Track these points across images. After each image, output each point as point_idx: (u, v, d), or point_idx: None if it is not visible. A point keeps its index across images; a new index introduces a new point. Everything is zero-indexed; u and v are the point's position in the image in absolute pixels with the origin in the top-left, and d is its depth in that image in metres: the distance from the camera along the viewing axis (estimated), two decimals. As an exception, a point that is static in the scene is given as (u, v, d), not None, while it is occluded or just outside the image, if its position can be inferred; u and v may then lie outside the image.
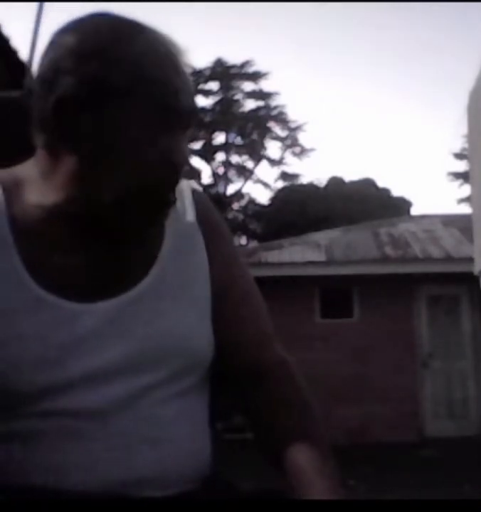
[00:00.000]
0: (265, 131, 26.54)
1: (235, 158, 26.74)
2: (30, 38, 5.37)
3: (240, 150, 26.71)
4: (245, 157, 26.71)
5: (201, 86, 26.20)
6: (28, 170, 1.00)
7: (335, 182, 26.10)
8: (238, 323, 1.07)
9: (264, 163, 27.11)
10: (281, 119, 26.41)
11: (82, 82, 0.91)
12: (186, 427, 0.99)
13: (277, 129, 26.63)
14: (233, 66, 25.89)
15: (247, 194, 26.82)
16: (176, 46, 0.98)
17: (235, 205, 26.29)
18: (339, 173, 29.40)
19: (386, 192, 25.97)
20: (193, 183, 1.15)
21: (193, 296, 1.04)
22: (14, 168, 1.03)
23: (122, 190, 0.93)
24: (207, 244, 1.08)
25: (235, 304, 1.08)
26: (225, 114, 25.73)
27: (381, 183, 26.46)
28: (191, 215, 1.09)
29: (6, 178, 1.00)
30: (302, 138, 30.08)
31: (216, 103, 26.22)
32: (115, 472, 0.92)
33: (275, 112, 26.39)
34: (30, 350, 0.91)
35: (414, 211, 24.64)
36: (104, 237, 0.98)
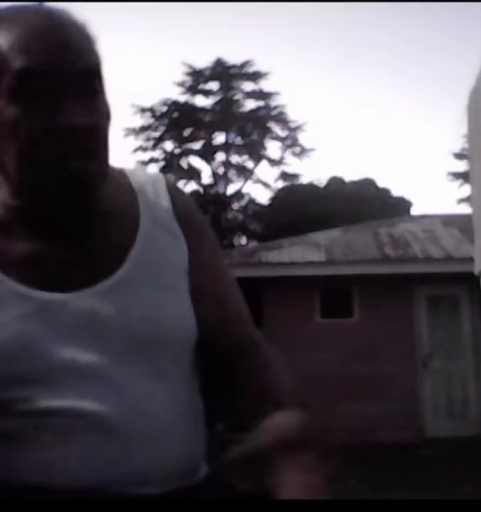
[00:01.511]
0: (265, 131, 26.53)
1: (235, 158, 26.74)
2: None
3: (240, 150, 26.70)
4: (245, 157, 26.70)
5: (201, 86, 26.20)
6: None
7: (335, 182, 26.09)
8: (217, 314, 1.07)
9: (264, 163, 27.06)
10: (281, 119, 26.39)
11: None
12: (176, 419, 0.98)
13: (277, 129, 26.63)
14: (233, 66, 25.87)
15: (247, 194, 26.82)
16: (58, 16, 0.94)
17: (235, 205, 26.28)
18: (339, 173, 29.35)
19: (386, 192, 25.95)
20: (169, 176, 1.14)
21: (172, 283, 1.03)
22: None
23: (27, 177, 0.92)
24: (185, 235, 1.07)
25: (214, 294, 1.08)
26: (225, 114, 25.72)
27: (381, 183, 26.45)
28: (166, 203, 1.08)
29: None
30: (302, 138, 30.03)
31: (216, 103, 26.21)
32: (107, 469, 0.91)
33: (275, 112, 26.38)
34: (5, 342, 0.90)
35: (414, 211, 24.64)
36: (67, 227, 0.98)
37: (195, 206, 1.14)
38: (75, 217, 0.98)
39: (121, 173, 1.08)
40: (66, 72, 0.91)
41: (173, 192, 1.10)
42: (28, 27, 0.92)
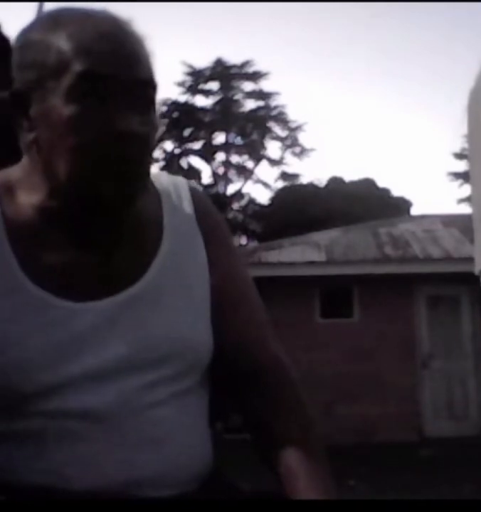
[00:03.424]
0: (265, 131, 26.51)
1: (235, 158, 26.73)
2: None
3: (240, 150, 26.68)
4: (245, 157, 26.68)
5: (201, 86, 26.19)
6: (17, 172, 1.01)
7: (335, 182, 26.08)
8: (236, 324, 1.07)
9: (264, 163, 27.04)
10: (281, 119, 26.38)
11: (24, 73, 0.94)
12: (186, 427, 0.99)
13: (277, 129, 26.61)
14: (233, 66, 25.86)
15: (247, 194, 26.80)
16: (123, 24, 0.96)
17: (235, 205, 26.27)
18: (339, 173, 29.40)
19: (386, 192, 25.95)
20: (192, 182, 1.14)
21: (192, 295, 1.04)
22: (5, 171, 1.03)
23: (77, 175, 0.93)
24: (206, 243, 1.08)
25: (233, 306, 1.07)
26: (225, 114, 25.71)
27: (381, 183, 26.46)
28: (189, 210, 1.08)
29: None
30: (302, 138, 30.02)
31: (216, 103, 26.20)
32: (115, 472, 0.92)
33: (275, 112, 26.36)
34: (30, 349, 0.92)
35: (414, 211, 24.64)
36: (97, 233, 0.98)
37: (217, 212, 1.14)
38: (109, 222, 0.99)
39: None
40: (128, 80, 0.93)
41: (196, 197, 1.11)
42: (93, 31, 0.93)
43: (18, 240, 0.96)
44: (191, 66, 25.95)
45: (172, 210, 1.07)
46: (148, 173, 0.98)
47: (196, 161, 26.59)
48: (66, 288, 0.96)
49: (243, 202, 26.55)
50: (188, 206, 1.09)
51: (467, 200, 18.15)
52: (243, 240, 25.35)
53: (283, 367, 1.08)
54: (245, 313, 1.09)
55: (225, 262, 1.09)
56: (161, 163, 25.96)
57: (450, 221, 12.22)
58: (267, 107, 26.32)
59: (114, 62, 0.92)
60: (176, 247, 1.04)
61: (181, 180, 1.12)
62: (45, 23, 0.96)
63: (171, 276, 1.02)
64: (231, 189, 26.58)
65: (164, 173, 1.14)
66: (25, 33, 0.97)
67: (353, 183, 25.83)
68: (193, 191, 1.11)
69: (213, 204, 1.15)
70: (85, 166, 0.92)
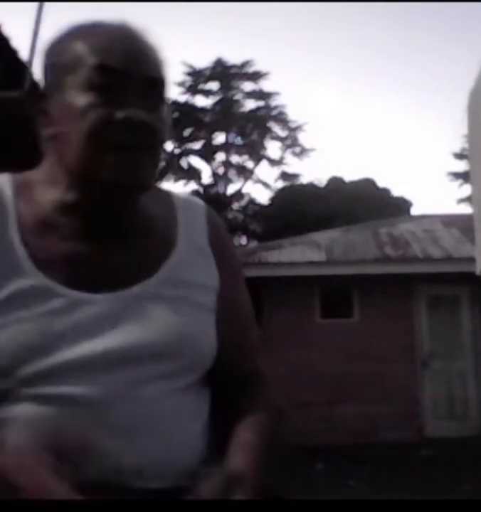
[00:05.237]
0: (265, 131, 26.53)
1: (235, 158, 26.74)
2: (30, 38, 5.37)
3: (240, 150, 26.69)
4: (245, 157, 26.70)
5: (201, 86, 26.21)
6: (39, 171, 1.07)
7: (335, 182, 26.08)
8: (230, 336, 1.10)
9: (264, 163, 27.07)
10: (281, 119, 26.39)
11: (46, 76, 1.03)
12: (185, 422, 1.01)
13: (277, 129, 26.63)
14: (233, 66, 25.89)
15: (247, 194, 26.82)
16: (137, 31, 1.04)
17: (235, 205, 26.28)
18: (339, 173, 29.40)
19: (386, 192, 25.95)
20: (205, 204, 1.19)
21: (198, 299, 1.07)
22: (28, 172, 1.09)
23: (90, 160, 0.97)
24: (215, 259, 1.12)
25: (236, 330, 1.12)
26: (225, 114, 25.73)
27: (381, 183, 26.47)
28: (202, 224, 1.14)
29: (18, 180, 1.07)
30: (302, 138, 30.02)
31: (216, 103, 26.22)
32: (111, 460, 0.93)
33: (275, 112, 26.38)
34: (24, 334, 0.94)
35: (414, 211, 24.65)
36: (110, 227, 1.03)
37: (227, 233, 1.20)
38: (120, 215, 1.03)
39: (166, 192, 1.16)
40: (138, 76, 0.99)
41: (210, 217, 1.16)
42: (105, 35, 1.02)
43: (29, 232, 1.00)
44: (191, 66, 25.98)
45: (187, 222, 1.12)
46: (157, 162, 1.03)
47: (196, 161, 26.63)
48: (72, 278, 0.99)
49: (243, 202, 26.56)
50: (202, 222, 1.14)
51: (467, 200, 18.17)
52: (243, 240, 25.35)
53: (263, 378, 1.14)
54: (244, 337, 1.14)
55: (231, 281, 1.14)
56: (162, 163, 25.96)
57: (450, 221, 12.21)
58: (267, 107, 26.34)
59: (126, 59, 0.99)
60: (187, 256, 1.08)
61: (197, 200, 1.19)
62: (67, 33, 1.04)
63: (178, 280, 1.06)
64: (231, 189, 26.61)
65: (184, 193, 1.21)
66: (49, 43, 1.04)
67: (353, 183, 25.83)
68: (207, 210, 1.17)
69: (225, 226, 1.21)
70: (96, 152, 0.96)
